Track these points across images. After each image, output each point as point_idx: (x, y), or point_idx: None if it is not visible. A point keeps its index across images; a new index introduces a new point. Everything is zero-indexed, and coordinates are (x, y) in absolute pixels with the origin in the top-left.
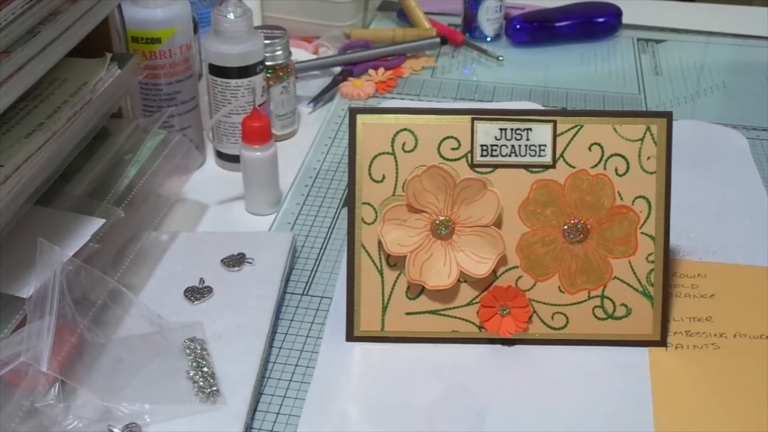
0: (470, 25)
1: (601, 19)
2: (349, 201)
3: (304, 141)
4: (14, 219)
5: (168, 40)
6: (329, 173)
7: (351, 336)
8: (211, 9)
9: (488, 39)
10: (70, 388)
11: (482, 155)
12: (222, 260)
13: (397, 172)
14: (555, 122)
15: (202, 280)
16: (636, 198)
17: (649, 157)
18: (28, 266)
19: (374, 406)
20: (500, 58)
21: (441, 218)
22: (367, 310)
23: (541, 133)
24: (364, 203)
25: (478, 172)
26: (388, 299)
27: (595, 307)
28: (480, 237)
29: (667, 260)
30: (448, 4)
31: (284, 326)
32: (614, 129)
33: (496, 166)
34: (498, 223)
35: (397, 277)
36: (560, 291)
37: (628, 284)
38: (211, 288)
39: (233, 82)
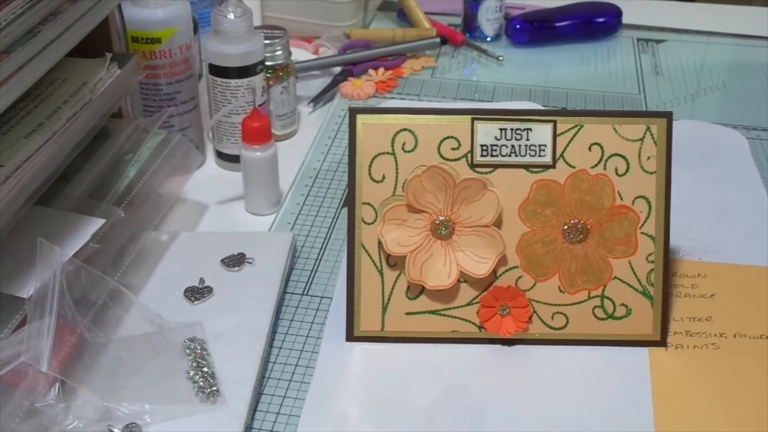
0: (470, 25)
1: (601, 19)
2: (349, 201)
3: (304, 141)
4: (14, 219)
5: (168, 40)
6: (329, 173)
7: (351, 336)
8: (211, 9)
9: (488, 39)
10: (70, 388)
11: (482, 155)
12: (222, 260)
13: (397, 172)
14: (555, 122)
15: (202, 280)
16: (636, 198)
17: (649, 157)
18: (28, 266)
19: (374, 406)
20: (500, 58)
21: (441, 218)
22: (367, 310)
23: (541, 133)
24: (364, 203)
25: (478, 172)
26: (388, 299)
27: (595, 307)
28: (480, 237)
29: (667, 260)
30: (448, 4)
31: (284, 326)
32: (614, 129)
33: (496, 166)
34: (498, 223)
35: (397, 277)
36: (560, 291)
37: (628, 284)
38: (211, 288)
39: (233, 82)
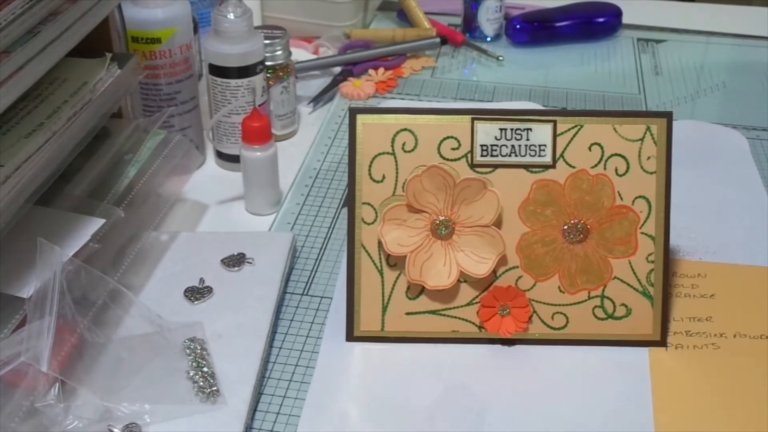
0: (470, 25)
1: (601, 19)
2: (349, 201)
3: (304, 141)
4: (14, 219)
5: (168, 40)
6: (329, 173)
7: (351, 336)
8: (211, 9)
9: (488, 39)
10: (70, 388)
11: (482, 155)
12: (222, 260)
13: (397, 172)
14: (555, 122)
15: (202, 280)
16: (636, 198)
17: (649, 157)
18: (28, 266)
19: (374, 406)
20: (500, 58)
21: (441, 218)
22: (367, 310)
23: (541, 133)
24: (364, 203)
25: (478, 172)
26: (388, 299)
27: (595, 307)
28: (480, 237)
29: (667, 260)
30: (448, 4)
31: (284, 326)
32: (614, 129)
33: (496, 166)
34: (498, 223)
35: (397, 277)
36: (560, 291)
37: (628, 284)
38: (211, 288)
39: (233, 82)
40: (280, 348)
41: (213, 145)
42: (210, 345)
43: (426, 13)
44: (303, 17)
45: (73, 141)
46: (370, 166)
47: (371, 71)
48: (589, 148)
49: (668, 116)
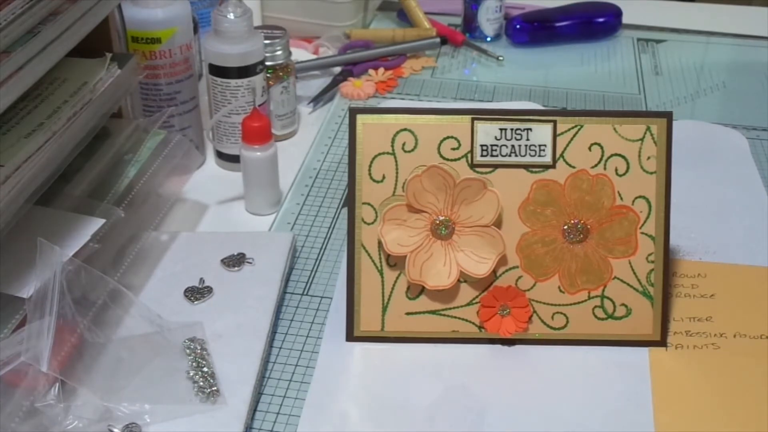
0: (470, 25)
1: (601, 19)
2: (349, 201)
3: (304, 141)
4: (14, 219)
5: (168, 40)
6: (329, 173)
7: (351, 336)
8: (211, 9)
9: (488, 39)
10: (70, 388)
11: (482, 155)
12: (222, 260)
13: (397, 172)
14: (555, 122)
15: (202, 280)
16: (636, 198)
17: (649, 157)
18: (28, 266)
19: (374, 406)
20: (500, 58)
21: (441, 218)
22: (367, 310)
23: (541, 133)
24: (364, 203)
25: (478, 172)
26: (388, 299)
27: (595, 307)
28: (480, 237)
29: (667, 260)
30: (448, 4)
31: (284, 326)
32: (614, 129)
33: (496, 166)
34: (498, 223)
35: (397, 277)
36: (560, 291)
37: (628, 284)
38: (211, 288)
39: (233, 82)
40: (280, 348)
41: (213, 145)
42: (210, 345)
43: (426, 13)
44: (303, 17)
45: (73, 141)
46: (370, 166)
47: (371, 71)
48: (589, 148)
49: (668, 116)
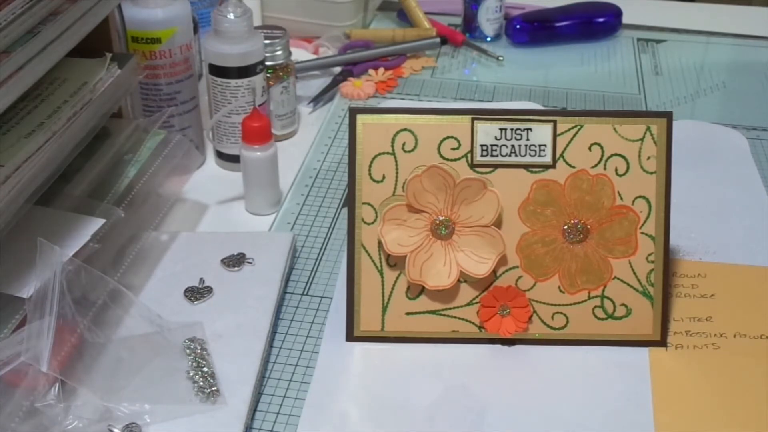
0: (470, 25)
1: (601, 19)
2: (349, 201)
3: (304, 141)
4: (14, 219)
5: (168, 40)
6: (329, 173)
7: (351, 336)
8: (211, 9)
9: (488, 39)
10: (70, 388)
11: (482, 155)
12: (222, 260)
13: (397, 172)
14: (555, 122)
15: (202, 280)
16: (636, 198)
17: (649, 157)
18: (28, 266)
19: (374, 406)
20: (500, 58)
21: (441, 218)
22: (367, 310)
23: (541, 133)
24: (364, 203)
25: (478, 172)
26: (388, 299)
27: (595, 307)
28: (480, 237)
29: (667, 260)
30: (448, 4)
31: (284, 326)
32: (614, 129)
33: (496, 166)
34: (498, 223)
35: (397, 277)
36: (560, 291)
37: (628, 284)
38: (211, 288)
39: (233, 82)
40: (280, 348)
41: (213, 145)
42: (210, 345)
43: (426, 13)
44: (303, 17)
45: (73, 141)
46: (370, 166)
47: (371, 71)
48: (589, 148)
49: (668, 116)
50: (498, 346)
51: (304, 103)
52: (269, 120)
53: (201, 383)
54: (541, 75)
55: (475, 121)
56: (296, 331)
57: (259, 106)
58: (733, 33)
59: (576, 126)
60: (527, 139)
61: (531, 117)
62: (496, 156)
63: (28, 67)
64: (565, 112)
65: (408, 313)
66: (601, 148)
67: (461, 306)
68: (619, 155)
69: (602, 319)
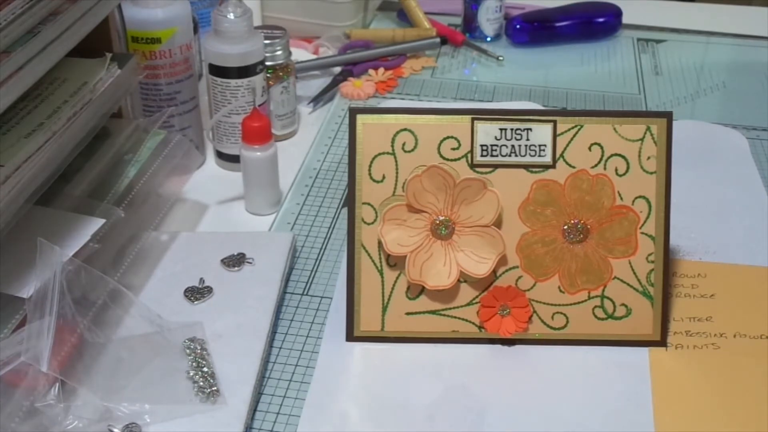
0: (470, 25)
1: (601, 19)
2: (349, 201)
3: (304, 141)
4: (14, 219)
5: (168, 40)
6: (329, 173)
7: (351, 336)
8: (211, 9)
9: (488, 39)
10: (70, 388)
11: (482, 155)
12: (222, 260)
13: (397, 172)
14: (555, 122)
15: (202, 280)
16: (636, 198)
17: (649, 157)
18: (28, 266)
19: (374, 406)
20: (500, 58)
21: (441, 218)
22: (367, 310)
23: (541, 133)
24: (364, 203)
25: (478, 172)
26: (388, 299)
27: (595, 307)
28: (480, 237)
29: (667, 260)
30: (448, 4)
31: (284, 326)
32: (614, 129)
33: (496, 166)
34: (498, 223)
35: (397, 277)
36: (560, 291)
37: (628, 284)
38: (211, 288)
39: (233, 82)
40: (280, 348)
41: (213, 145)
42: (210, 345)
43: (426, 13)
44: (303, 17)
45: (73, 141)
46: (370, 166)
47: (371, 71)
48: (589, 148)
49: (668, 116)
50: (498, 346)
51: (304, 103)
52: (269, 120)
53: (201, 383)
54: (541, 75)
55: (475, 121)
56: (296, 331)
57: (259, 106)
58: (733, 33)
59: (576, 126)
60: (527, 139)
61: (531, 117)
62: (496, 156)
63: (28, 67)
64: (565, 112)
65: (408, 313)
66: (601, 148)
67: (461, 306)
68: (619, 155)
69: (602, 319)
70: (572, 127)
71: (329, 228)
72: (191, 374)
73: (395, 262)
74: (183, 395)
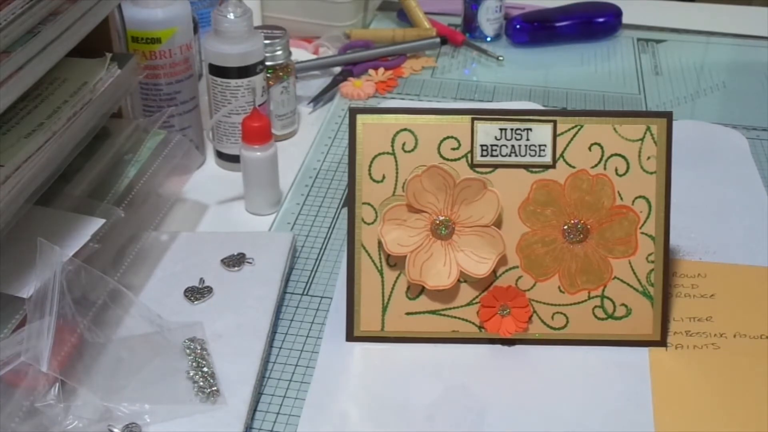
0: (470, 25)
1: (601, 19)
2: (349, 201)
3: (304, 141)
4: (14, 219)
5: (168, 40)
6: (329, 173)
7: (351, 336)
8: (211, 9)
9: (488, 39)
10: (70, 388)
11: (482, 155)
12: (222, 260)
13: (397, 172)
14: (555, 122)
15: (202, 280)
16: (636, 198)
17: (649, 157)
18: (28, 266)
19: (374, 406)
20: (500, 58)
21: (441, 218)
22: (367, 310)
23: (541, 133)
24: (364, 203)
25: (478, 172)
26: (388, 299)
27: (595, 307)
28: (480, 237)
29: (667, 260)
30: (448, 4)
31: (284, 326)
32: (614, 129)
33: (496, 166)
34: (498, 223)
35: (397, 277)
36: (560, 291)
37: (628, 284)
38: (211, 288)
39: (233, 82)
40: (280, 348)
41: (213, 145)
42: (210, 345)
43: (426, 13)
44: (303, 17)
45: (73, 141)
46: (370, 166)
47: (371, 71)
48: (589, 148)
49: (668, 116)
50: (498, 346)
51: (304, 103)
52: (269, 120)
53: (201, 383)
54: (541, 75)
55: (475, 121)
56: (296, 331)
57: (259, 106)
58: (733, 33)
59: (576, 126)
60: (527, 139)
61: (531, 117)
62: (496, 156)
63: (28, 67)
64: (565, 112)
65: (408, 313)
66: (601, 148)
67: (461, 306)
68: (619, 155)
69: (602, 319)
70: (572, 127)
71: (329, 228)
72: (191, 374)
73: (395, 262)
74: (183, 395)
